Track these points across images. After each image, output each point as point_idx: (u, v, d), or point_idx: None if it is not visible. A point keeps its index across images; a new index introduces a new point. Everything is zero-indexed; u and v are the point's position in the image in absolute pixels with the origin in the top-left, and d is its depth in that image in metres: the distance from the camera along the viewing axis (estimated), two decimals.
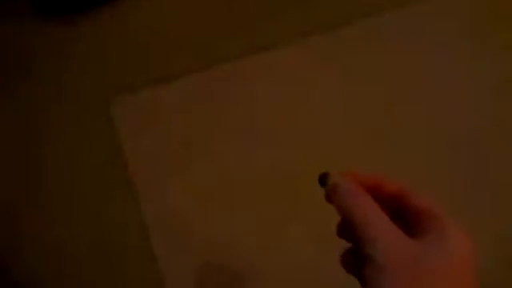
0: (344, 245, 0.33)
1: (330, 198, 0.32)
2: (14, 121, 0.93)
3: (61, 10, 1.02)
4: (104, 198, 0.85)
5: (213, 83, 0.94)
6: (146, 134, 0.89)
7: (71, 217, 0.84)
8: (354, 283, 0.32)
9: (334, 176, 0.32)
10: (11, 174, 0.88)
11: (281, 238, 0.80)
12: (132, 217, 0.82)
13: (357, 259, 0.30)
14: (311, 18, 1.01)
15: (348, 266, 0.32)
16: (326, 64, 0.96)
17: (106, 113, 0.91)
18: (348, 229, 0.31)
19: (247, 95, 0.93)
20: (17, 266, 0.80)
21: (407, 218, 0.31)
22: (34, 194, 0.86)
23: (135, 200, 0.83)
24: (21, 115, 0.93)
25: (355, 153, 0.85)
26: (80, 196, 0.85)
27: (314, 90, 0.93)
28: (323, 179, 0.33)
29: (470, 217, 0.55)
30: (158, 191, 0.85)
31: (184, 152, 0.88)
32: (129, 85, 0.94)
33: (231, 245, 0.80)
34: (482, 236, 0.57)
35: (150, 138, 0.89)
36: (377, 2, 1.01)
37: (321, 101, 0.92)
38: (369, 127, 0.89)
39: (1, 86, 0.96)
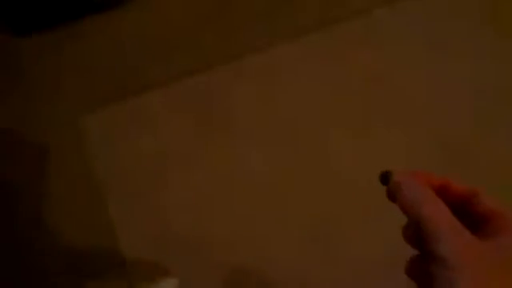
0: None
1: (392, 196, 0.31)
2: None
3: (39, 26, 0.99)
4: (81, 206, 0.84)
5: (212, 83, 0.94)
6: (141, 138, 0.89)
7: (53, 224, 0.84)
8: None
9: (396, 174, 0.32)
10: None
11: (279, 238, 0.80)
12: (105, 223, 0.82)
13: (423, 266, 0.29)
14: (310, 18, 1.01)
15: (414, 274, 0.31)
16: (326, 63, 0.95)
17: (101, 116, 0.91)
18: (412, 230, 0.30)
19: (246, 95, 0.93)
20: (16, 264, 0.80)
21: (473, 218, 0.31)
22: (30, 194, 0.86)
23: (123, 203, 0.83)
24: None
25: (355, 153, 0.85)
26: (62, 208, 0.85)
27: (314, 90, 0.93)
28: (386, 177, 0.32)
29: None
30: (156, 191, 0.84)
31: (182, 153, 0.87)
32: (117, 93, 0.93)
33: (230, 249, 0.80)
34: None
35: (149, 140, 0.88)
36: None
37: (320, 101, 0.92)
38: (369, 127, 0.89)
39: None
